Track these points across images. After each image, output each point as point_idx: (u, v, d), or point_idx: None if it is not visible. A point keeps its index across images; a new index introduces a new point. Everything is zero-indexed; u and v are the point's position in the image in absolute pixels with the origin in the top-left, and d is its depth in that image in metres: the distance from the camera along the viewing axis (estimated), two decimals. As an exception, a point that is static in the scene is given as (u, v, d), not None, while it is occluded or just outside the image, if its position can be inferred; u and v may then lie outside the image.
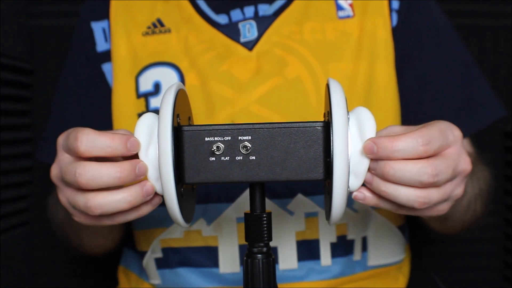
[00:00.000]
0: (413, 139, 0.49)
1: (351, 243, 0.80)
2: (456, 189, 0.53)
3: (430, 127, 0.51)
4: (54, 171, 0.57)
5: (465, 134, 0.80)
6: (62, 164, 0.54)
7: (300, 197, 0.78)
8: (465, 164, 0.53)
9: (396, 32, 0.81)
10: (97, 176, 0.50)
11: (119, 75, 0.82)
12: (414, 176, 0.49)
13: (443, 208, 0.54)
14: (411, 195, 0.50)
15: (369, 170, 0.51)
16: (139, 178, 0.52)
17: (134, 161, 0.51)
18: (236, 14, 0.83)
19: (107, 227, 0.80)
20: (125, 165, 0.51)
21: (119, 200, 0.51)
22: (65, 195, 0.55)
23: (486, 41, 1.20)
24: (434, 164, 0.50)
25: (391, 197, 0.51)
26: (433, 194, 0.51)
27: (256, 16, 0.82)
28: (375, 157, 0.50)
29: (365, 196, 0.52)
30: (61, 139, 0.56)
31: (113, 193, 0.52)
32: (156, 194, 0.53)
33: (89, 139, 0.51)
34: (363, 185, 0.52)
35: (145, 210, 0.54)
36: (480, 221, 0.80)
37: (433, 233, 0.83)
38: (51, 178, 0.57)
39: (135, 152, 0.52)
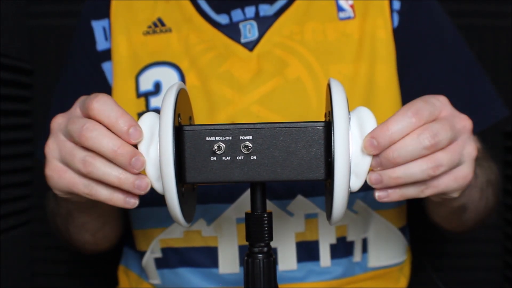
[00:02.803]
0: (402, 115, 0.50)
1: (351, 245, 0.80)
2: (465, 147, 0.53)
3: (413, 101, 0.52)
4: (60, 118, 0.56)
5: None
6: (72, 115, 0.55)
7: (300, 198, 0.78)
8: (463, 120, 0.54)
9: (398, 33, 0.81)
10: (100, 137, 0.51)
11: (119, 74, 0.82)
12: (416, 145, 0.49)
13: (465, 173, 0.53)
14: (422, 165, 0.50)
15: (374, 170, 0.51)
16: (133, 169, 0.51)
17: (136, 151, 0.51)
18: (237, 14, 0.82)
19: (94, 222, 0.80)
20: (126, 147, 0.51)
21: (111, 171, 0.51)
22: (58, 144, 0.54)
23: (486, 41, 1.20)
24: (429, 127, 0.50)
25: (406, 178, 0.51)
26: (442, 156, 0.51)
27: (257, 17, 0.82)
28: (379, 150, 0.50)
29: (388, 193, 0.52)
30: (82, 97, 0.56)
31: (111, 164, 0.52)
32: (136, 196, 0.53)
33: (104, 102, 0.52)
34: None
35: (117, 199, 0.53)
36: (492, 213, 0.81)
37: (444, 234, 0.83)
38: (51, 124, 0.56)
39: (134, 141, 0.51)
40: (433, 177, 0.52)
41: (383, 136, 0.49)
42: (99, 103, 0.52)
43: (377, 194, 0.52)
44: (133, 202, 0.54)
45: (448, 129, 0.51)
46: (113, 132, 0.52)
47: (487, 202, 0.78)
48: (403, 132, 0.50)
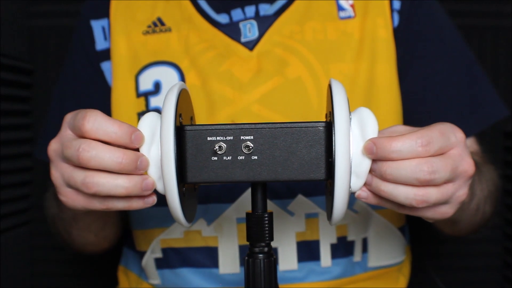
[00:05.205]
0: (412, 140, 0.49)
1: (351, 244, 0.80)
2: (458, 191, 0.53)
3: (431, 128, 0.52)
4: (54, 145, 0.55)
5: (468, 134, 0.81)
6: (64, 139, 0.54)
7: (300, 198, 0.78)
8: (467, 165, 0.52)
9: (398, 33, 0.81)
10: (101, 155, 0.50)
11: (118, 74, 0.82)
12: (410, 174, 0.49)
13: (447, 211, 0.53)
14: (409, 193, 0.50)
15: (370, 171, 0.51)
16: (139, 171, 0.51)
17: (138, 153, 0.52)
18: (237, 13, 0.82)
19: (96, 223, 0.80)
20: (129, 154, 0.51)
21: (117, 184, 0.51)
22: (60, 170, 0.54)
23: (486, 41, 1.21)
24: (430, 161, 0.49)
25: (390, 197, 0.51)
26: (432, 193, 0.50)
27: (257, 16, 0.82)
28: (375, 157, 0.50)
29: (368, 194, 0.52)
30: (69, 116, 0.55)
31: (113, 176, 0.51)
32: (152, 193, 0.53)
33: (96, 120, 0.51)
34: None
35: (136, 204, 0.53)
36: (489, 222, 0.80)
37: (441, 234, 0.83)
38: (48, 151, 0.56)
39: (137, 146, 0.52)
40: None
41: (382, 149, 0.49)
42: (91, 123, 0.51)
43: (358, 192, 0.52)
44: (152, 200, 0.54)
45: (449, 170, 0.50)
46: (114, 144, 0.52)
47: (484, 216, 0.77)
48: (404, 156, 0.49)
